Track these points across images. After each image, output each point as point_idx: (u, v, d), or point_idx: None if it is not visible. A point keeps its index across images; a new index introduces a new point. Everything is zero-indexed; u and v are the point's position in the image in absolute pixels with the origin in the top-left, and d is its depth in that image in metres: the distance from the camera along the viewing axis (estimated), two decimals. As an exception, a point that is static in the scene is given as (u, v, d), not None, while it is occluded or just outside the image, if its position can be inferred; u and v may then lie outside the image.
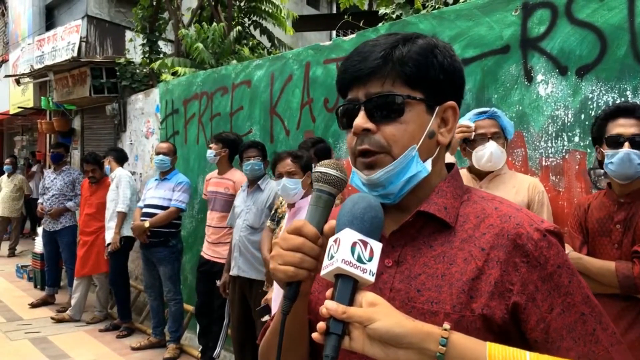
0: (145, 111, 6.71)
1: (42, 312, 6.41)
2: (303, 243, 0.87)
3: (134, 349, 5.16)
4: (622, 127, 2.14)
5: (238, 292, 3.93)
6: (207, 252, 4.48)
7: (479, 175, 2.63)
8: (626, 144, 2.11)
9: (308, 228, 0.88)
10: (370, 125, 0.93)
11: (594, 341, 0.86)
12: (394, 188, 0.94)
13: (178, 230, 5.09)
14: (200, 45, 6.51)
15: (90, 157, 6.09)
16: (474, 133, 2.54)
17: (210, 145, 4.48)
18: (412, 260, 0.94)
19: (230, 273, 3.96)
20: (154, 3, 7.58)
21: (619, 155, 2.11)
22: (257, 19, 9.11)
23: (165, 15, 7.90)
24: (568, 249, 2.31)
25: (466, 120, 2.58)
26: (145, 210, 5.00)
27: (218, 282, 4.25)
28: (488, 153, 2.52)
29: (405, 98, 0.93)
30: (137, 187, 6.13)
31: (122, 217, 5.49)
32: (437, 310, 0.88)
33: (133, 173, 6.40)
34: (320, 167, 0.93)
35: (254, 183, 3.99)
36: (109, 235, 5.54)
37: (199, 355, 4.60)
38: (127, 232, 5.49)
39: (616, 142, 2.14)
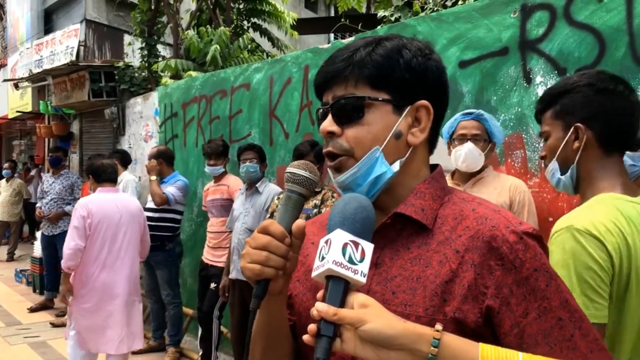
0: (144, 115, 6.71)
1: (41, 316, 6.39)
2: (269, 241, 0.87)
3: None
4: None
5: (238, 295, 3.93)
6: (207, 256, 4.49)
7: (463, 179, 2.66)
8: None
9: (275, 227, 0.88)
10: (334, 128, 0.94)
11: (571, 347, 0.84)
12: (361, 190, 0.94)
13: (175, 234, 5.06)
14: (218, 47, 6.56)
15: (97, 156, 6.11)
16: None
17: (211, 163, 4.42)
18: (389, 262, 0.94)
19: (230, 276, 3.96)
20: (153, 7, 7.59)
21: None
22: (257, 20, 9.13)
23: (164, 19, 7.91)
24: None
25: None
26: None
27: (212, 285, 4.24)
28: (463, 154, 2.54)
29: (365, 99, 0.93)
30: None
31: None
32: (409, 313, 0.87)
33: (132, 177, 6.39)
34: (291, 168, 0.94)
35: (252, 186, 3.99)
36: None
37: (199, 359, 4.59)
38: None
39: None
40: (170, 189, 4.84)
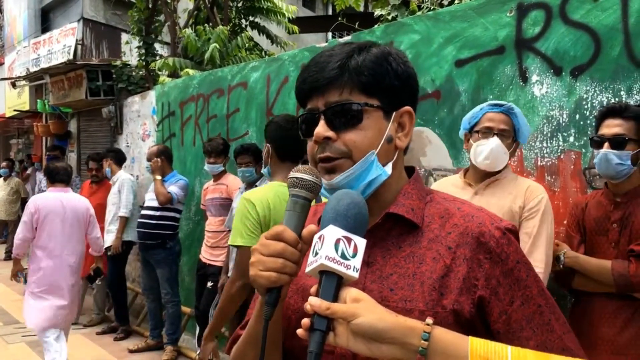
0: (141, 113, 6.71)
1: (39, 315, 6.38)
2: (284, 248, 0.87)
3: (131, 351, 5.15)
4: (606, 127, 2.18)
5: (235, 294, 3.92)
6: (205, 255, 4.49)
7: (477, 179, 2.38)
8: (605, 144, 2.14)
9: (288, 233, 0.88)
10: (330, 133, 0.96)
11: (549, 330, 0.92)
12: None
13: (175, 233, 5.08)
14: (217, 46, 6.58)
15: (96, 155, 6.16)
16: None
17: (211, 161, 4.42)
18: (382, 261, 0.97)
19: (228, 275, 3.96)
20: (150, 5, 7.59)
21: (599, 156, 2.16)
22: (254, 19, 9.11)
23: (161, 17, 7.91)
24: (565, 247, 2.32)
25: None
26: (142, 212, 5.03)
27: (209, 284, 4.24)
28: (488, 149, 2.26)
29: (363, 106, 0.95)
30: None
31: (124, 221, 5.49)
32: (411, 308, 0.91)
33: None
34: (296, 173, 0.94)
35: (251, 185, 3.99)
36: (109, 239, 5.54)
37: (197, 357, 4.59)
38: (127, 236, 5.50)
39: (597, 142, 2.19)
40: (173, 188, 4.87)
